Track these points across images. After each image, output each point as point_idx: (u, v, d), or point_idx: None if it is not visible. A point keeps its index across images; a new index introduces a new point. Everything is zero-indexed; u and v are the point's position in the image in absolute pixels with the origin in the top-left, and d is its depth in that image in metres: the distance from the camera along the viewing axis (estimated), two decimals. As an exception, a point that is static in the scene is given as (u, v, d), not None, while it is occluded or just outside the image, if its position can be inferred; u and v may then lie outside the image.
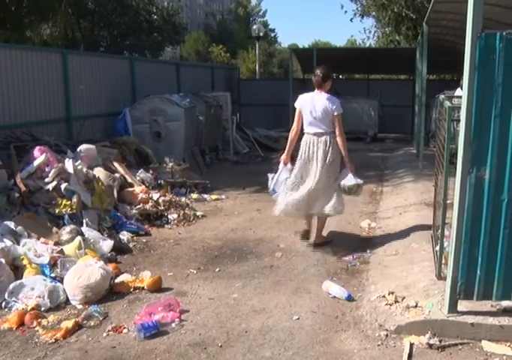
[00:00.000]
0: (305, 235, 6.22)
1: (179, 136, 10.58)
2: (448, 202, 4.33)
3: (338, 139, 5.87)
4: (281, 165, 6.19)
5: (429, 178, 8.49)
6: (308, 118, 5.94)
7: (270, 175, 6.29)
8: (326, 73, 5.93)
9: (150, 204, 7.42)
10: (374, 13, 19.71)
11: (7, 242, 5.20)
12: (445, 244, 4.50)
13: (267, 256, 5.87)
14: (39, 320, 4.21)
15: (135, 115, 10.58)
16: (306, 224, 6.27)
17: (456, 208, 3.70)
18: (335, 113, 5.82)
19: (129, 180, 7.96)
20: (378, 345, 3.81)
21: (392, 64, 17.44)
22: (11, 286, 4.59)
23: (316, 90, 5.97)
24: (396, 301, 4.32)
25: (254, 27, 25.68)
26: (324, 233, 6.33)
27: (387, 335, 3.92)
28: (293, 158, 6.15)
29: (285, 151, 6.20)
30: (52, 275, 4.93)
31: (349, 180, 5.87)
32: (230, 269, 5.49)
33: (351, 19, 20.13)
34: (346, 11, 19.95)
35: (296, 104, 6.10)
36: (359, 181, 5.96)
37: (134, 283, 4.96)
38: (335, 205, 5.89)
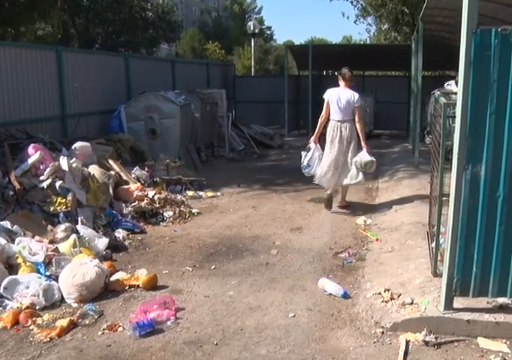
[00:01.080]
0: (328, 204, 7.57)
1: (174, 133, 10.55)
2: (444, 198, 4.33)
3: (358, 125, 7.32)
4: (312, 144, 7.60)
5: (425, 174, 8.50)
6: (335, 107, 7.35)
7: (303, 153, 7.69)
8: (352, 72, 7.50)
9: (145, 201, 7.38)
10: (373, 13, 19.83)
11: (2, 240, 5.17)
12: (441, 240, 4.50)
13: (263, 254, 5.86)
14: (34, 319, 4.19)
15: (130, 112, 10.55)
16: (329, 194, 7.55)
17: (451, 205, 3.69)
18: (356, 105, 7.28)
19: (124, 177, 7.93)
20: (374, 342, 3.81)
21: (387, 60, 17.39)
22: (5, 282, 4.56)
23: (342, 85, 7.43)
24: (392, 298, 4.31)
25: (250, 24, 25.59)
26: (346, 199, 7.89)
27: (382, 332, 3.92)
28: (320, 139, 7.63)
29: (315, 134, 7.62)
30: (47, 273, 4.90)
31: (366, 157, 7.30)
32: (226, 267, 5.48)
33: (355, 22, 20.41)
34: (348, 17, 20.10)
35: (325, 96, 7.49)
36: (374, 158, 7.40)
37: (129, 281, 4.94)
38: (356, 176, 7.41)
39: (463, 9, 3.41)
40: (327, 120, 7.48)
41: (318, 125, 7.57)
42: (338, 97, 7.31)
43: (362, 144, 7.35)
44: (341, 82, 7.44)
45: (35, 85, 9.08)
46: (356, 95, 7.29)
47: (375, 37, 22.52)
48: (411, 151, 12.43)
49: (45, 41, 23.13)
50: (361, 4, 20.33)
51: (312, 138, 7.64)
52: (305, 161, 7.61)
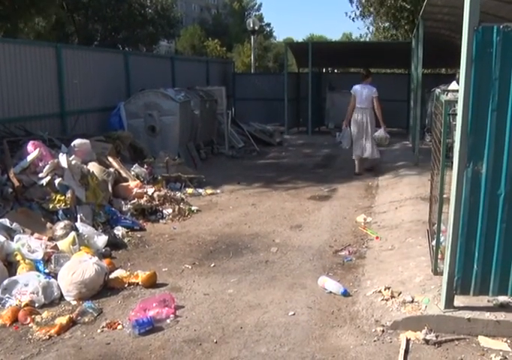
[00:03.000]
0: (360, 172, 10.22)
1: (173, 130, 10.53)
2: (444, 196, 4.31)
3: (378, 111, 9.95)
4: (343, 127, 10.40)
5: (425, 172, 8.49)
6: (359, 99, 10.03)
7: (337, 133, 11.03)
8: (369, 71, 10.36)
9: (145, 199, 7.36)
10: (372, 10, 19.80)
11: (1, 238, 5.15)
12: (441, 238, 4.48)
13: (262, 251, 5.85)
14: (33, 316, 4.18)
15: (130, 109, 10.52)
16: (358, 164, 10.25)
17: (452, 203, 3.68)
18: (374, 95, 9.93)
19: (124, 175, 7.91)
20: (374, 341, 3.80)
21: (387, 58, 17.37)
22: (5, 282, 4.55)
23: (363, 82, 10.07)
24: (392, 297, 4.30)
25: (249, 21, 25.51)
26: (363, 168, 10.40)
27: (383, 331, 3.91)
28: (349, 123, 10.31)
29: (346, 119, 10.33)
30: (46, 271, 4.89)
31: (382, 134, 10.01)
32: (226, 264, 5.46)
33: (353, 19, 20.42)
34: (353, 18, 20.04)
35: (352, 91, 10.12)
36: (388, 135, 10.16)
37: (128, 278, 4.92)
38: (374, 151, 10.17)
39: (465, 6, 3.38)
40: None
41: (348, 113, 10.20)
42: (361, 90, 10.00)
43: (381, 124, 9.95)
44: (363, 79, 10.06)
45: (34, 82, 9.05)
46: (374, 89, 9.93)
47: (374, 35, 22.43)
48: (411, 149, 12.41)
49: (44, 38, 23.07)
50: (357, 6, 20.40)
51: (344, 122, 10.35)
52: (338, 138, 10.80)
